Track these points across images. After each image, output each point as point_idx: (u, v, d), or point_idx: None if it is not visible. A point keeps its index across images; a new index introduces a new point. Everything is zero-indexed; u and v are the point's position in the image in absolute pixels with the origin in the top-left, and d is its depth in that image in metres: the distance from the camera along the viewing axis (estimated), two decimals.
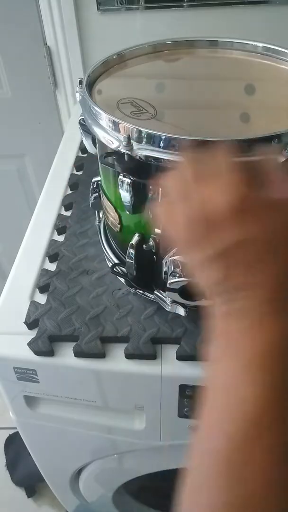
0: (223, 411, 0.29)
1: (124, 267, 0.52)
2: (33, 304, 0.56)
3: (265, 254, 0.29)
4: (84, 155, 0.84)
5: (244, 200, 0.29)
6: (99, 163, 0.51)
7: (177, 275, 0.44)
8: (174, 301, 0.47)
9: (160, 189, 0.36)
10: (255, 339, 0.29)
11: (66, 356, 0.51)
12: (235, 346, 0.30)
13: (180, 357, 0.49)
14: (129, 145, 0.39)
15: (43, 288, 0.58)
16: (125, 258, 0.49)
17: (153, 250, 0.47)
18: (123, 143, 0.39)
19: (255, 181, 0.30)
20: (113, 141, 0.41)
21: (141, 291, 0.53)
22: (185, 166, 0.32)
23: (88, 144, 0.53)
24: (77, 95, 0.49)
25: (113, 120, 0.41)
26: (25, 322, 0.53)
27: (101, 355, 0.50)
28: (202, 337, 0.32)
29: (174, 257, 0.44)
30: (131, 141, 0.39)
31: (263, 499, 0.25)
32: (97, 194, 0.58)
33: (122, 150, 0.39)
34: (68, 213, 0.70)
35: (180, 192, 0.32)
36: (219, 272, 0.30)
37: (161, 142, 0.38)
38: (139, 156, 0.39)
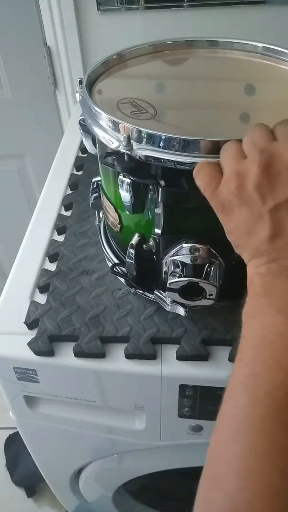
0: (264, 361, 0.29)
1: (124, 267, 0.52)
2: (33, 304, 0.56)
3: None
4: (84, 155, 0.84)
5: None
6: (99, 163, 0.51)
7: (177, 275, 0.44)
8: (174, 301, 0.47)
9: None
10: None
11: (66, 356, 0.51)
12: (280, 301, 0.30)
13: (180, 357, 0.49)
14: (129, 145, 0.39)
15: (43, 288, 0.58)
16: (125, 258, 0.49)
17: (153, 250, 0.47)
18: (123, 143, 0.39)
19: None
20: (113, 141, 0.41)
21: (141, 291, 0.53)
22: (250, 131, 0.34)
23: (88, 144, 0.53)
24: (77, 95, 0.49)
25: (113, 120, 0.41)
26: (25, 322, 0.53)
27: (101, 355, 0.50)
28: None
29: (174, 257, 0.44)
30: (131, 141, 0.39)
31: None
32: (97, 194, 0.58)
33: (122, 150, 0.39)
34: (68, 213, 0.70)
35: (239, 151, 0.33)
36: (271, 228, 0.30)
37: (161, 142, 0.38)
38: (139, 156, 0.39)
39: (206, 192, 0.35)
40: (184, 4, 0.91)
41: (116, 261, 0.57)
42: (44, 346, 0.51)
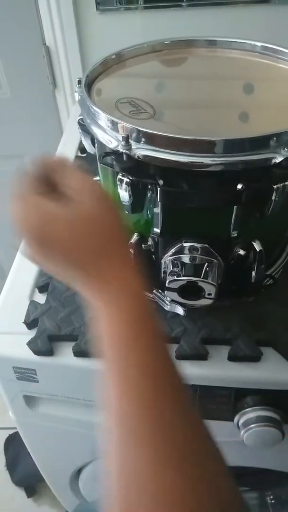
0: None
1: None
2: (33, 303, 0.56)
3: (44, 254, 0.33)
4: (83, 155, 0.84)
5: (19, 213, 0.33)
6: (98, 163, 0.51)
7: (176, 274, 0.44)
8: (173, 301, 0.47)
9: None
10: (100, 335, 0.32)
11: (65, 355, 0.51)
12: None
13: (179, 356, 0.49)
14: (127, 144, 0.39)
15: (42, 288, 0.58)
16: None
17: (152, 250, 0.47)
18: (122, 142, 0.39)
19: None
20: (111, 140, 0.41)
21: None
22: None
23: (87, 144, 0.53)
24: (76, 95, 0.49)
25: (112, 120, 0.41)
26: (25, 322, 0.53)
27: None
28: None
29: (173, 257, 0.44)
30: (130, 140, 0.39)
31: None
32: None
33: (121, 150, 0.39)
34: None
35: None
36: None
37: (160, 141, 0.38)
38: (138, 156, 0.39)
39: None
40: (183, 4, 0.91)
41: None
42: (44, 346, 0.51)
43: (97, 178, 0.56)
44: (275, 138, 0.37)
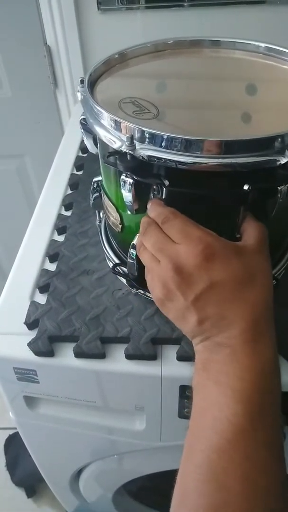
0: (204, 429, 0.33)
1: (125, 267, 0.52)
2: (33, 304, 0.55)
3: (235, 293, 0.35)
4: (85, 155, 0.84)
5: (208, 248, 0.36)
6: (101, 163, 0.51)
7: None
8: None
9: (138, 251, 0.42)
10: (232, 366, 0.33)
11: (66, 356, 0.51)
12: (215, 374, 0.34)
13: (181, 357, 0.49)
14: (131, 145, 0.38)
15: (43, 288, 0.58)
16: (126, 258, 0.49)
17: None
18: (126, 143, 0.39)
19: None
20: (115, 140, 0.41)
21: (141, 292, 0.53)
22: (150, 234, 0.40)
23: (89, 144, 0.53)
24: (79, 94, 0.49)
25: (115, 120, 0.41)
26: (25, 323, 0.53)
27: (101, 355, 0.50)
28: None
29: None
30: (134, 141, 0.39)
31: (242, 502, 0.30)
32: (97, 194, 0.58)
33: (125, 150, 0.39)
34: (68, 213, 0.70)
35: (150, 256, 0.40)
36: (197, 315, 0.36)
37: (163, 142, 0.38)
38: (142, 156, 0.39)
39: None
40: (185, 4, 0.91)
41: (117, 261, 0.56)
42: (44, 347, 0.51)
43: (100, 178, 0.55)
44: (279, 139, 0.37)
